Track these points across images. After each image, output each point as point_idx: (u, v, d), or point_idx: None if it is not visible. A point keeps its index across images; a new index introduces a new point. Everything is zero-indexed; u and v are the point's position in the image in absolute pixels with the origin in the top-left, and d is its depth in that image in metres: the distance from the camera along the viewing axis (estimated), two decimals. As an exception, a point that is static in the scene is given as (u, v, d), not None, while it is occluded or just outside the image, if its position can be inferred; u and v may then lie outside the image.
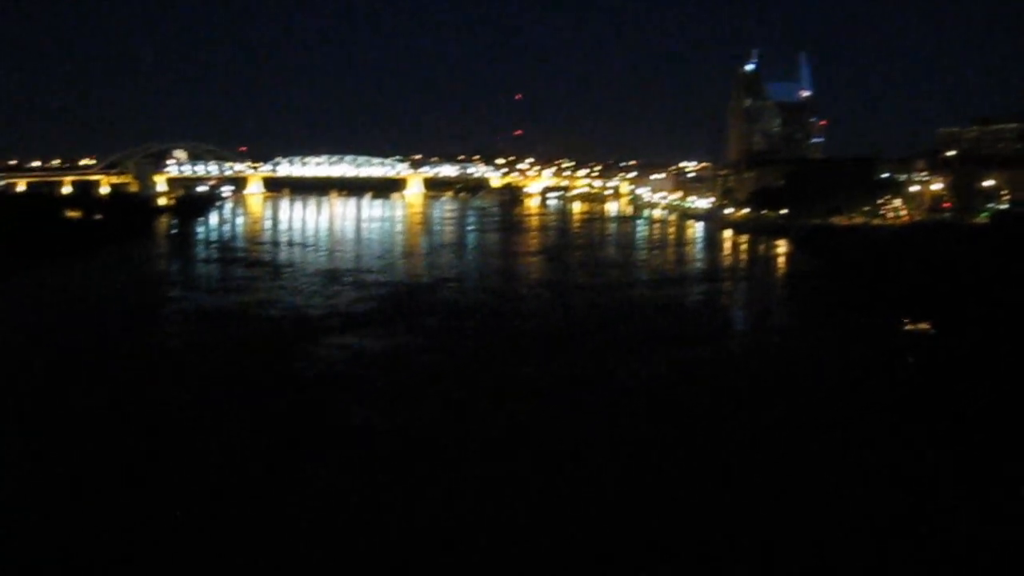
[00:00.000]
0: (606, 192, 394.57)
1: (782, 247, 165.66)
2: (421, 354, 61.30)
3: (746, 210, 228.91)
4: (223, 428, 44.30)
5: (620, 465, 40.33)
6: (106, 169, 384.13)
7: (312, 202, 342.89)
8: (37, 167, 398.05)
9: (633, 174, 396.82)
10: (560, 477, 38.78)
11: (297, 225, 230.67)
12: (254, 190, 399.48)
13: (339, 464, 40.14)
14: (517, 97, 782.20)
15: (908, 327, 75.61)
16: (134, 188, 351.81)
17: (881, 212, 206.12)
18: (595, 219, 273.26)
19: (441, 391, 51.12)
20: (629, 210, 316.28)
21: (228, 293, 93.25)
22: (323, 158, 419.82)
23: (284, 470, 38.97)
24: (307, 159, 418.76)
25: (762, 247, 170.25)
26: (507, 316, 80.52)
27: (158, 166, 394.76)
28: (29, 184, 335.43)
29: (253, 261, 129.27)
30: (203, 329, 72.67)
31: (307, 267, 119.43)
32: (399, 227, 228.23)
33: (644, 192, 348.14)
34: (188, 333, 71.60)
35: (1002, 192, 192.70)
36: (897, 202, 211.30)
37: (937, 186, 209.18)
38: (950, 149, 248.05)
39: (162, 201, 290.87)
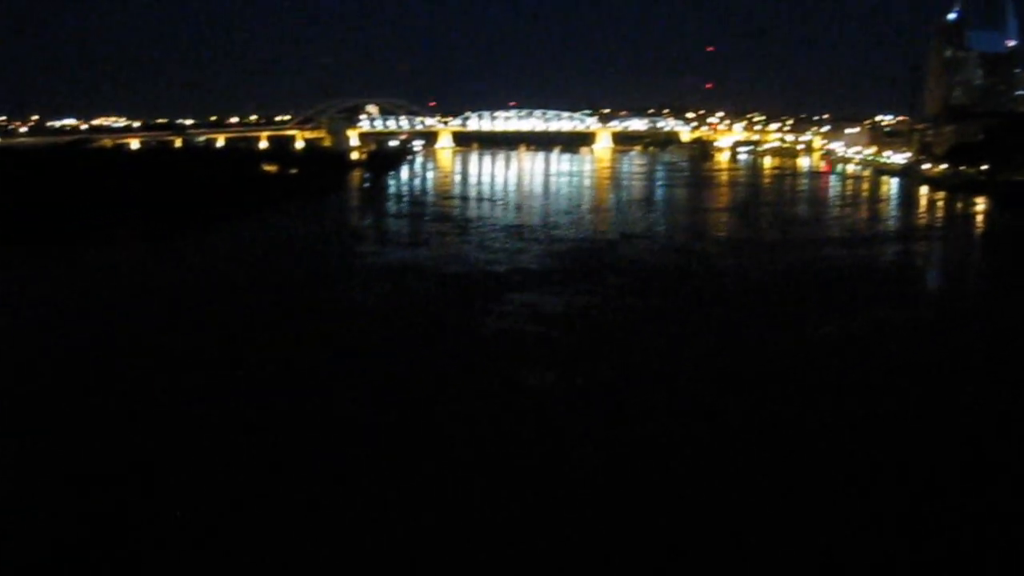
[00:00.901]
0: (798, 147, 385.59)
1: (981, 205, 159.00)
2: (601, 314, 60.05)
3: (944, 166, 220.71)
4: (386, 384, 44.09)
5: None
6: (301, 124, 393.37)
7: (500, 156, 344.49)
8: (235, 123, 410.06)
9: (826, 128, 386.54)
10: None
11: (486, 179, 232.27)
12: (444, 144, 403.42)
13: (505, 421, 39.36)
14: (709, 48, 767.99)
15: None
16: (328, 143, 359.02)
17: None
18: (786, 174, 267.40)
19: (621, 353, 49.72)
20: (821, 165, 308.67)
21: (415, 247, 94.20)
22: (512, 112, 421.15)
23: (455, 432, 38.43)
24: (496, 114, 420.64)
25: (959, 204, 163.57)
26: (691, 276, 78.69)
27: (351, 121, 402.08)
28: (227, 140, 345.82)
29: (441, 215, 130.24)
30: (388, 284, 73.18)
31: (494, 222, 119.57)
32: (587, 182, 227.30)
33: (837, 147, 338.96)
34: (373, 287, 72.32)
35: None
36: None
37: None
38: None
39: (354, 155, 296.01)
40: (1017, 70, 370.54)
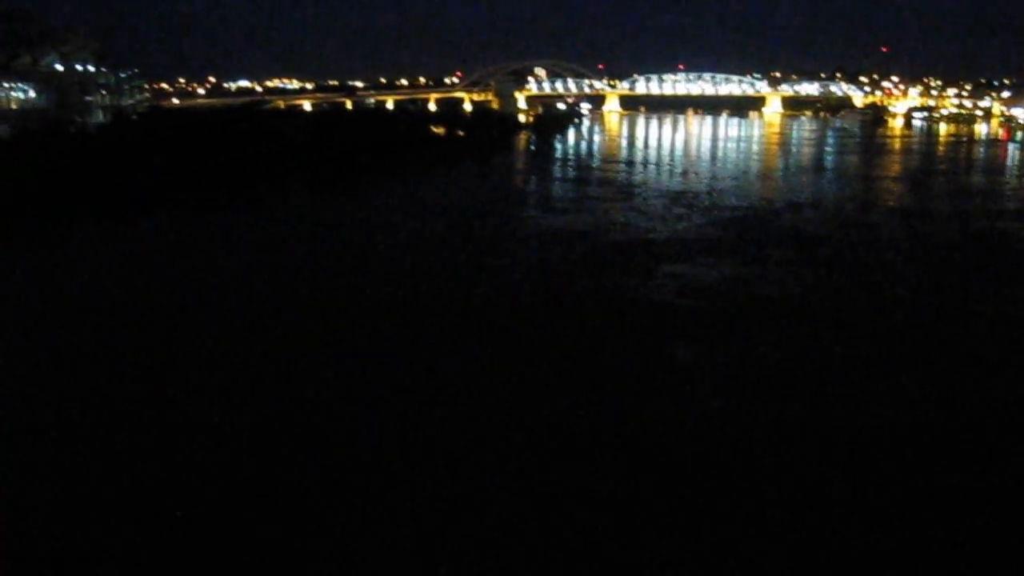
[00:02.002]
0: (976, 113, 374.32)
1: None
2: (756, 288, 58.52)
3: None
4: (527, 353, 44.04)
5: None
6: (469, 87, 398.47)
7: (668, 120, 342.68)
8: (404, 85, 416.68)
9: (1007, 94, 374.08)
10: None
11: (653, 143, 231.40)
12: (611, 108, 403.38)
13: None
14: (884, 49, 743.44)
15: None
16: (495, 105, 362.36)
17: None
18: (962, 142, 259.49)
19: (773, 330, 48.42)
20: (1000, 132, 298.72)
21: (575, 213, 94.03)
22: (680, 76, 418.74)
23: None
24: (664, 77, 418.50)
25: None
26: (856, 248, 77.16)
27: (519, 83, 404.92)
28: (396, 102, 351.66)
29: (605, 180, 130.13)
30: (541, 248, 73.29)
31: (658, 188, 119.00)
32: (754, 147, 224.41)
33: (1019, 113, 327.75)
34: (527, 252, 72.60)
35: None
36: None
37: None
38: None
39: (522, 118, 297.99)
40: None
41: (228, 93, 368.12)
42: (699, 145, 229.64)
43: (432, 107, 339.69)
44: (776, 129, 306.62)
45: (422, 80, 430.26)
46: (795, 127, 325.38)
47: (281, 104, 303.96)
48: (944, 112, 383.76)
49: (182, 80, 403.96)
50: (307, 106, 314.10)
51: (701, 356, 43.45)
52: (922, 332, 49.02)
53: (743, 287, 58.23)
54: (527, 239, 78.30)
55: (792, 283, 59.99)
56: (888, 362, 42.97)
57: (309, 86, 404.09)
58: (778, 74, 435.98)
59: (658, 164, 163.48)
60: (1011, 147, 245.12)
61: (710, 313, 51.33)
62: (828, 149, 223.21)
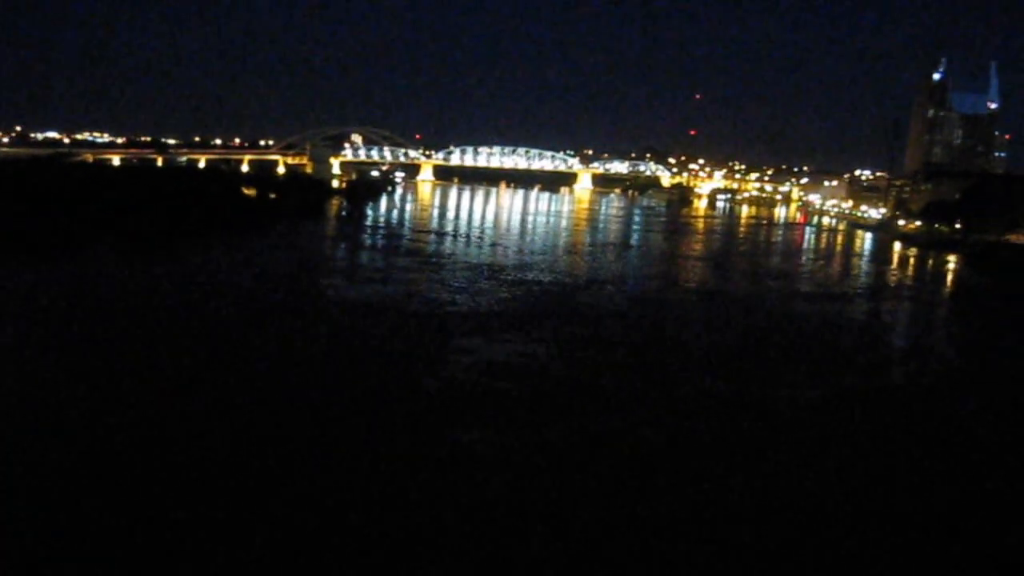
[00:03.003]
0: (776, 197, 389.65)
1: (952, 262, 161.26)
2: (550, 369, 58.22)
3: (918, 223, 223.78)
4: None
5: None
6: (284, 150, 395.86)
7: (481, 192, 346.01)
8: (218, 145, 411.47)
9: (805, 180, 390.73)
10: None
11: (463, 215, 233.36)
12: (425, 177, 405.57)
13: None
14: (697, 96, 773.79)
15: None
16: (309, 169, 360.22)
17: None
18: (763, 224, 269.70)
19: (566, 420, 47.42)
20: (798, 216, 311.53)
21: (377, 283, 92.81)
22: (495, 149, 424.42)
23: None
24: (479, 149, 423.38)
25: (931, 262, 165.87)
26: (655, 327, 78.70)
27: (335, 149, 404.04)
28: (209, 161, 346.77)
29: (414, 250, 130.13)
30: (337, 321, 71.89)
31: (465, 260, 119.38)
32: (564, 223, 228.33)
33: (815, 199, 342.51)
34: (321, 322, 71.15)
35: None
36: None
37: None
38: None
39: (336, 183, 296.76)
40: (997, 132, 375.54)
41: (34, 143, 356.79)
42: (510, 218, 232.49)
43: (245, 168, 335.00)
44: (586, 205, 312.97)
45: (237, 141, 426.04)
46: (604, 204, 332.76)
47: (89, 158, 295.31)
48: (746, 195, 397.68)
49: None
50: (116, 161, 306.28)
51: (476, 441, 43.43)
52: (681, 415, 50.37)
53: (533, 366, 58.25)
54: (325, 311, 76.97)
55: (580, 363, 60.45)
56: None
57: (120, 140, 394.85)
58: (590, 151, 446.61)
59: (468, 236, 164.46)
60: (807, 230, 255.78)
61: (495, 393, 51.27)
62: (635, 227, 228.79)
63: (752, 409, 51.63)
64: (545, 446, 42.60)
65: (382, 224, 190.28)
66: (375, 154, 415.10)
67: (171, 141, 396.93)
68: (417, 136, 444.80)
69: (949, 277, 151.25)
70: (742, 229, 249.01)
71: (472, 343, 64.07)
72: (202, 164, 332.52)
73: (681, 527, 34.51)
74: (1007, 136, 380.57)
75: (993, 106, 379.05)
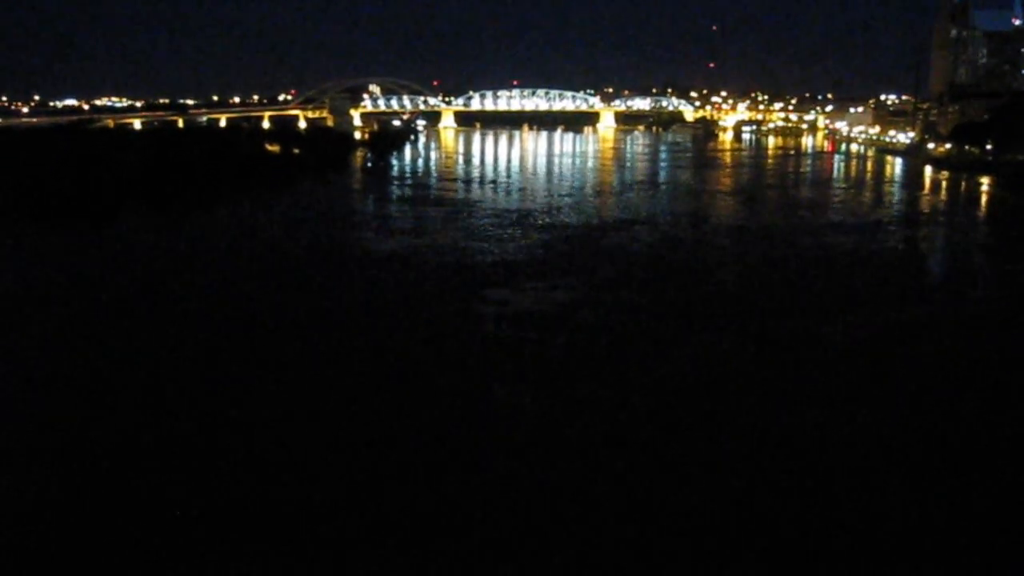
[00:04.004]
0: (802, 126, 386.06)
1: (986, 185, 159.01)
2: (584, 315, 57.58)
3: (948, 145, 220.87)
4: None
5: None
6: (303, 104, 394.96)
7: (504, 136, 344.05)
8: (237, 103, 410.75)
9: (830, 108, 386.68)
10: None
11: (488, 160, 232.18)
12: (447, 124, 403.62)
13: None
14: (713, 28, 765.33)
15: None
16: (331, 123, 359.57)
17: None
18: (790, 154, 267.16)
19: (595, 378, 45.55)
20: (826, 145, 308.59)
21: (405, 235, 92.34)
22: (515, 92, 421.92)
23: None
24: (499, 93, 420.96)
25: (964, 185, 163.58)
26: (686, 269, 77.51)
27: (354, 101, 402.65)
28: (229, 120, 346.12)
29: (440, 199, 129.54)
30: (362, 275, 71.50)
31: (492, 206, 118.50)
32: (590, 163, 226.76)
33: (842, 126, 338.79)
34: (347, 278, 70.80)
35: None
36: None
37: None
38: None
39: (357, 135, 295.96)
40: (1023, 49, 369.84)
41: (54, 111, 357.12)
42: (535, 161, 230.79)
43: (266, 125, 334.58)
44: (611, 144, 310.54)
45: (255, 98, 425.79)
46: (629, 141, 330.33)
47: (110, 123, 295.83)
48: (772, 125, 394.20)
49: (3, 98, 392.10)
50: (137, 125, 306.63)
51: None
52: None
53: (564, 316, 57.50)
54: (361, 263, 76.86)
55: (611, 310, 59.38)
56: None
57: (138, 104, 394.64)
58: (611, 89, 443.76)
59: (494, 181, 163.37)
60: (836, 158, 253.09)
61: (523, 345, 50.73)
62: (662, 164, 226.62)
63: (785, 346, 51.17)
64: (575, 402, 41.72)
65: (407, 174, 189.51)
66: (395, 104, 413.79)
67: (190, 102, 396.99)
68: (435, 83, 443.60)
69: (984, 200, 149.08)
70: (770, 161, 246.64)
71: (501, 294, 63.45)
72: (223, 123, 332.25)
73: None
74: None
75: (1018, 22, 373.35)
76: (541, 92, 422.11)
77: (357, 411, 40.00)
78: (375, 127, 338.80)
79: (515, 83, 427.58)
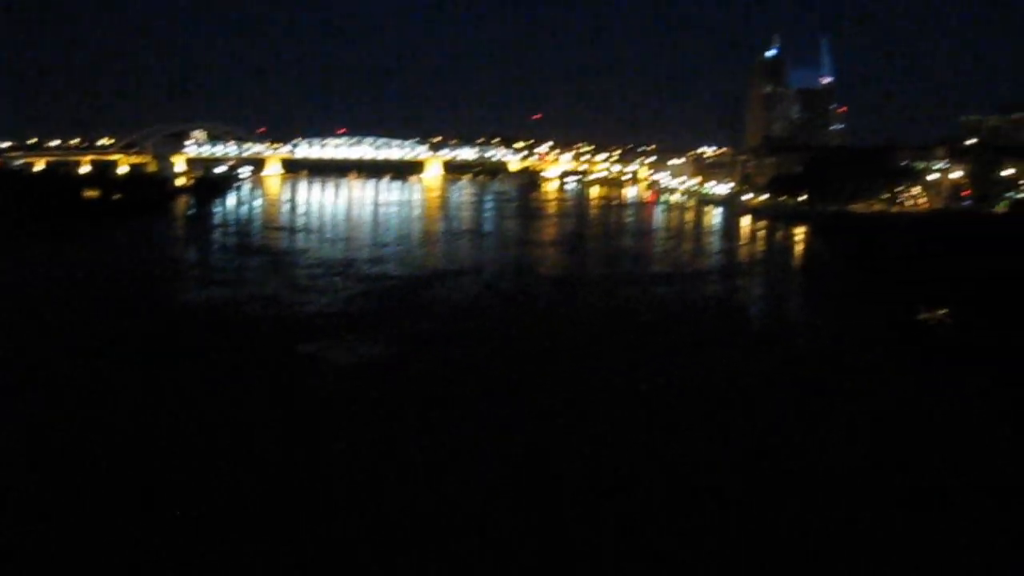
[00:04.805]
0: (625, 177, 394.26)
1: (800, 234, 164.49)
2: (399, 370, 55.79)
3: (765, 196, 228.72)
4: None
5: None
6: (124, 149, 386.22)
7: (330, 184, 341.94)
8: (56, 146, 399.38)
9: (652, 159, 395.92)
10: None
11: (313, 208, 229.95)
12: (272, 171, 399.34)
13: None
14: (536, 117, 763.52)
15: (925, 316, 74.74)
16: (153, 168, 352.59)
17: (900, 200, 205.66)
18: (613, 204, 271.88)
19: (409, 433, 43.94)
20: (647, 195, 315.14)
21: (222, 285, 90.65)
22: (342, 140, 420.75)
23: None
24: (326, 141, 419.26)
25: (780, 234, 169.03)
26: (508, 322, 77.03)
27: (177, 146, 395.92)
28: (48, 163, 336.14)
29: (261, 247, 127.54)
30: (169, 328, 67.84)
31: (315, 256, 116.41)
32: (416, 212, 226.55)
33: (663, 177, 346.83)
34: (150, 330, 66.73)
35: (1021, 181, 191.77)
36: (916, 190, 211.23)
37: (957, 174, 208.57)
38: (971, 137, 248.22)
39: (181, 181, 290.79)
40: (832, 106, 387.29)
41: None
42: (362, 210, 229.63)
43: (87, 169, 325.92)
44: (437, 193, 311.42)
45: (75, 141, 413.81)
46: (455, 190, 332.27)
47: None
48: (595, 176, 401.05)
49: None
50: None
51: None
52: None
53: (378, 369, 56.03)
54: (170, 316, 74.05)
55: (429, 365, 57.46)
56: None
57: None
58: (438, 139, 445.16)
59: (319, 230, 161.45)
60: (657, 209, 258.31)
61: (329, 402, 48.70)
62: (487, 213, 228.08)
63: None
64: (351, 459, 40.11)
65: (231, 221, 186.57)
66: (219, 150, 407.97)
67: (4, 144, 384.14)
68: (261, 130, 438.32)
69: (798, 249, 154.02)
70: (593, 210, 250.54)
71: (315, 348, 61.30)
72: (40, 167, 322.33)
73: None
74: (842, 108, 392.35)
75: (827, 80, 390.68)
76: (368, 140, 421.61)
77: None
78: (199, 173, 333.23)
79: (342, 131, 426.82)
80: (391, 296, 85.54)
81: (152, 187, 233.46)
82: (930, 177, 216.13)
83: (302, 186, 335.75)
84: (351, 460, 39.84)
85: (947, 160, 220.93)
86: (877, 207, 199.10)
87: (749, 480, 38.16)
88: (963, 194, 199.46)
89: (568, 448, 41.68)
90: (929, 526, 33.82)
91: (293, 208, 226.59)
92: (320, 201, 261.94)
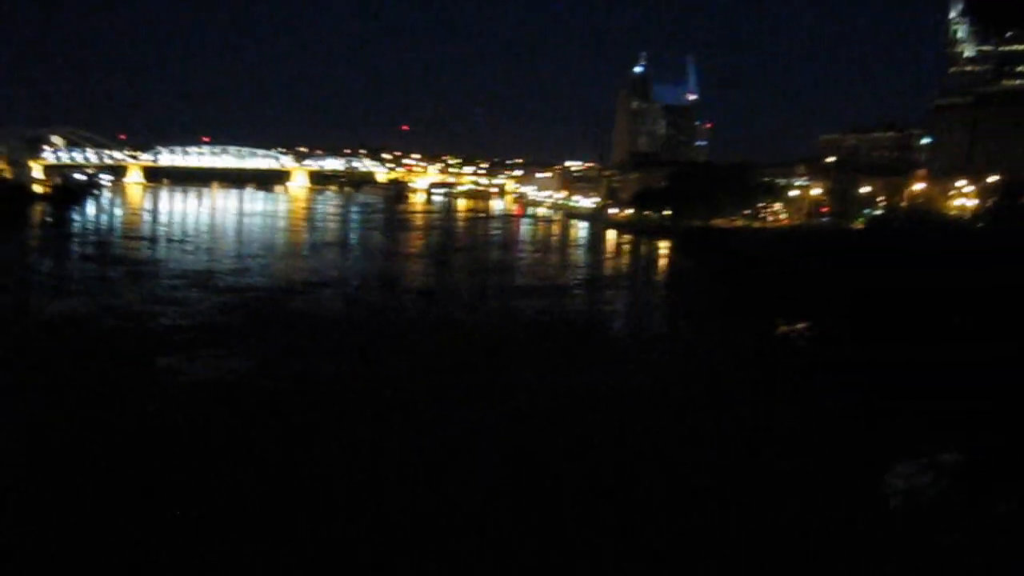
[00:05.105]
0: (492, 190, 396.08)
1: (664, 248, 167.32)
2: (255, 386, 54.89)
3: (630, 210, 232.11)
4: None
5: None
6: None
7: (193, 193, 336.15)
8: None
9: (519, 172, 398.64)
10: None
11: (176, 218, 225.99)
12: (134, 179, 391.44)
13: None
14: (404, 128, 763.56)
15: (784, 329, 76.64)
16: (8, 175, 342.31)
17: (762, 215, 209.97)
18: (480, 217, 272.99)
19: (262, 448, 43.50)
20: (514, 208, 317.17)
21: (75, 296, 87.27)
22: (205, 148, 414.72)
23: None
24: (189, 149, 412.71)
25: (644, 248, 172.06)
26: (369, 333, 76.89)
27: (33, 152, 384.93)
28: None
29: (120, 257, 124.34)
30: (16, 340, 65.66)
31: (176, 267, 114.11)
32: (280, 222, 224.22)
33: (530, 191, 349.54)
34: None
35: (878, 198, 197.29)
36: (778, 206, 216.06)
37: (816, 191, 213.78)
38: (830, 155, 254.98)
39: (38, 188, 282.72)
40: (697, 122, 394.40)
41: None
42: (223, 220, 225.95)
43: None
44: (302, 204, 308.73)
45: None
46: (320, 201, 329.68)
47: None
48: (463, 188, 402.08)
49: None
50: None
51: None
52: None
53: (235, 385, 54.98)
54: (12, 328, 71.53)
55: (284, 379, 57.09)
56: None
57: None
58: (304, 149, 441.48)
59: (181, 240, 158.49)
60: (524, 222, 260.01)
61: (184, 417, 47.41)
62: (353, 224, 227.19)
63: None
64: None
65: (90, 230, 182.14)
66: (78, 156, 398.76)
67: None
68: (121, 136, 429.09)
69: (661, 263, 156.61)
70: (460, 223, 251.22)
71: (172, 362, 60.08)
72: None
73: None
74: (707, 125, 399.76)
75: (692, 97, 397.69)
76: (232, 149, 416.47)
77: None
78: (57, 180, 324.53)
79: (205, 140, 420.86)
80: (252, 309, 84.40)
81: (6, 194, 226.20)
82: (791, 193, 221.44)
83: (164, 195, 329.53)
84: (199, 476, 39.14)
85: (807, 177, 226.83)
86: (739, 222, 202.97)
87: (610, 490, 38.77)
88: (822, 210, 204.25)
89: (408, 472, 41.48)
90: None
91: (155, 217, 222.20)
92: (182, 210, 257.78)
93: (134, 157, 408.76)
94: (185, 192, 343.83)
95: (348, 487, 38.80)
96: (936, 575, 33.31)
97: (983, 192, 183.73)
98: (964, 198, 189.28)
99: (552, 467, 41.78)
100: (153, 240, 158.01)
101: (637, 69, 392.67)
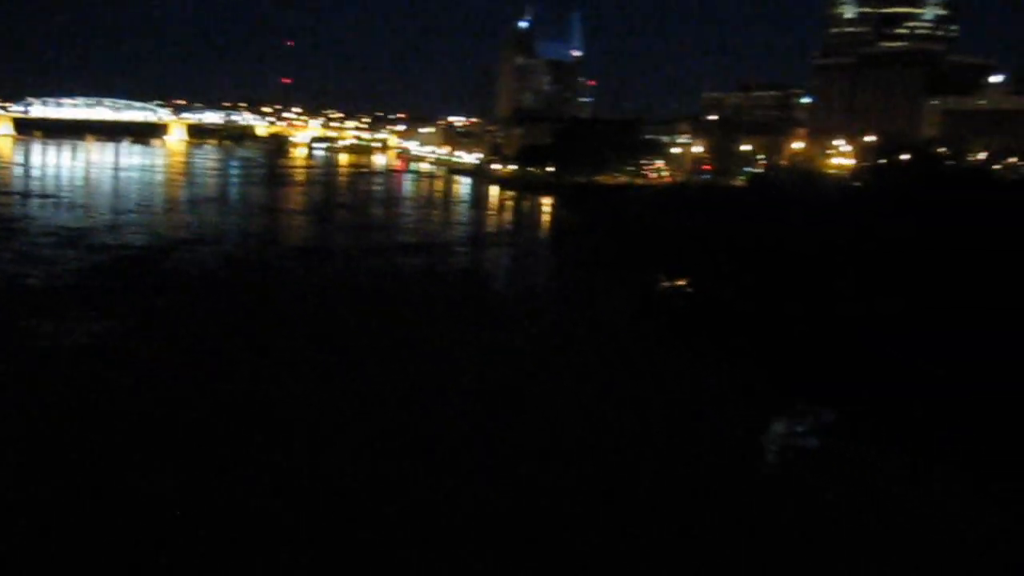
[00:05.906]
0: (374, 144, 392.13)
1: (547, 204, 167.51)
2: (127, 346, 54.35)
3: (513, 167, 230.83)
4: None
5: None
6: None
7: (67, 146, 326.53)
8: None
9: (402, 127, 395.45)
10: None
11: (48, 172, 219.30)
12: (3, 132, 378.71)
13: None
14: (289, 43, 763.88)
15: (665, 285, 77.57)
16: None
17: (644, 172, 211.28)
18: (362, 172, 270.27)
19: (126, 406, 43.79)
20: (397, 163, 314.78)
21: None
22: (79, 100, 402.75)
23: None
24: (62, 101, 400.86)
25: (528, 204, 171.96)
26: (245, 291, 75.85)
27: None
28: None
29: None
30: None
31: (47, 224, 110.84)
32: (157, 177, 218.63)
33: (412, 146, 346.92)
34: None
35: (759, 156, 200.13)
36: (661, 163, 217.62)
37: (699, 149, 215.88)
38: (714, 113, 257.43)
39: None
40: (581, 78, 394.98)
41: None
42: (100, 174, 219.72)
43: None
44: (181, 158, 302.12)
45: None
46: (199, 155, 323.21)
47: None
48: (344, 143, 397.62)
49: None
50: None
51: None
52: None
53: (108, 346, 54.34)
54: None
55: (155, 341, 56.69)
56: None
57: None
58: (182, 102, 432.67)
59: (55, 196, 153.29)
60: (407, 177, 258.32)
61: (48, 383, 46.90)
62: (232, 179, 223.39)
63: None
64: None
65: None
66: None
67: None
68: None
69: (545, 219, 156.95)
70: (342, 178, 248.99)
71: (41, 325, 58.77)
72: None
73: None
74: (591, 82, 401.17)
75: (577, 54, 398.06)
76: (108, 101, 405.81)
77: None
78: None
79: (78, 91, 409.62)
80: (125, 268, 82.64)
81: None
82: (674, 151, 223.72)
83: (36, 148, 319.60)
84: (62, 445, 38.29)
85: (690, 135, 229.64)
86: (623, 179, 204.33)
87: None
88: (704, 168, 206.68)
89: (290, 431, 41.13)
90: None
91: (26, 171, 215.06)
92: (56, 164, 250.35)
93: (3, 108, 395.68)
94: (58, 145, 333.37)
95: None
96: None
97: (861, 152, 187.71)
98: (842, 157, 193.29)
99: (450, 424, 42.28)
100: (25, 195, 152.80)
101: (522, 24, 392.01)
